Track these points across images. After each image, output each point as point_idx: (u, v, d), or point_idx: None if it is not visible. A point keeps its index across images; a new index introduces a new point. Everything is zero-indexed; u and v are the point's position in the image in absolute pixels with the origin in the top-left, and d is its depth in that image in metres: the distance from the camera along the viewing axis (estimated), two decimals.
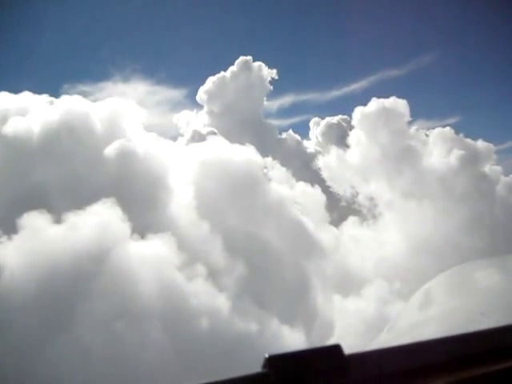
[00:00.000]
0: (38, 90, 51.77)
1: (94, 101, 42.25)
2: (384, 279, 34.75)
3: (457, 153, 43.00)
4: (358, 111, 44.73)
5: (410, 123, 45.82)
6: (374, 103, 44.36)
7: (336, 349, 1.44)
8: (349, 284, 34.93)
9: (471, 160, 43.12)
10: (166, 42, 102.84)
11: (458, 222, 39.29)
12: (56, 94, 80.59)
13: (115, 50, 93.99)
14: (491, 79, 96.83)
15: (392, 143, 43.01)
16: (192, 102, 63.71)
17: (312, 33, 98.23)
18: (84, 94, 66.78)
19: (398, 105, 44.49)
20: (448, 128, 47.05)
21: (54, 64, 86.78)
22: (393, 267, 37.01)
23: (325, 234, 39.64)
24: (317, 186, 44.66)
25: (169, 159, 38.88)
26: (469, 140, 45.68)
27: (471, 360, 1.61)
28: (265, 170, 46.64)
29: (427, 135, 46.41)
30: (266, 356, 1.36)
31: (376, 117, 43.25)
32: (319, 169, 48.70)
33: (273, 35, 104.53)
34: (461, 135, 46.39)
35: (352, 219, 44.63)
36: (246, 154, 39.80)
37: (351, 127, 46.75)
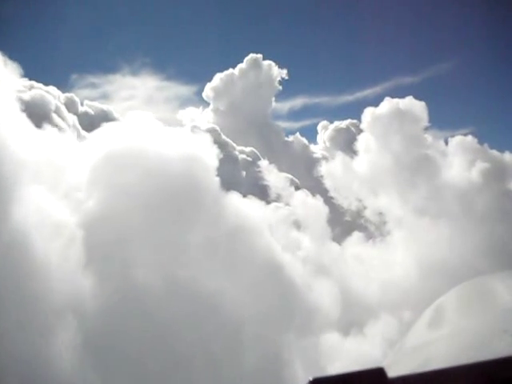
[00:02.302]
0: (45, 80, 50.71)
1: (104, 94, 35.85)
2: (392, 308, 31.17)
3: (480, 166, 38.68)
4: (369, 112, 40.74)
5: (426, 129, 41.58)
6: (387, 104, 40.33)
7: (379, 372, 1.48)
8: (350, 317, 29.93)
9: (496, 175, 39.11)
10: (177, 36, 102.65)
11: (478, 244, 35.79)
12: (64, 84, 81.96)
13: (125, 42, 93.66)
14: (508, 89, 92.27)
15: (406, 151, 39.21)
16: (201, 99, 62.01)
17: (326, 34, 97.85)
18: (93, 86, 67.67)
19: (415, 107, 40.24)
20: (470, 137, 42.42)
21: (63, 54, 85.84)
22: (402, 293, 33.41)
23: (324, 254, 34.59)
24: (318, 197, 40.20)
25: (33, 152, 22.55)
26: (494, 151, 41.54)
27: None
28: (264, 173, 42.36)
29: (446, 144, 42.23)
30: (310, 379, 1.41)
31: (388, 120, 39.25)
32: (321, 176, 44.41)
33: (285, 35, 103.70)
34: (485, 145, 42.34)
35: (357, 235, 40.42)
36: (190, 147, 25.05)
37: (360, 132, 42.65)
